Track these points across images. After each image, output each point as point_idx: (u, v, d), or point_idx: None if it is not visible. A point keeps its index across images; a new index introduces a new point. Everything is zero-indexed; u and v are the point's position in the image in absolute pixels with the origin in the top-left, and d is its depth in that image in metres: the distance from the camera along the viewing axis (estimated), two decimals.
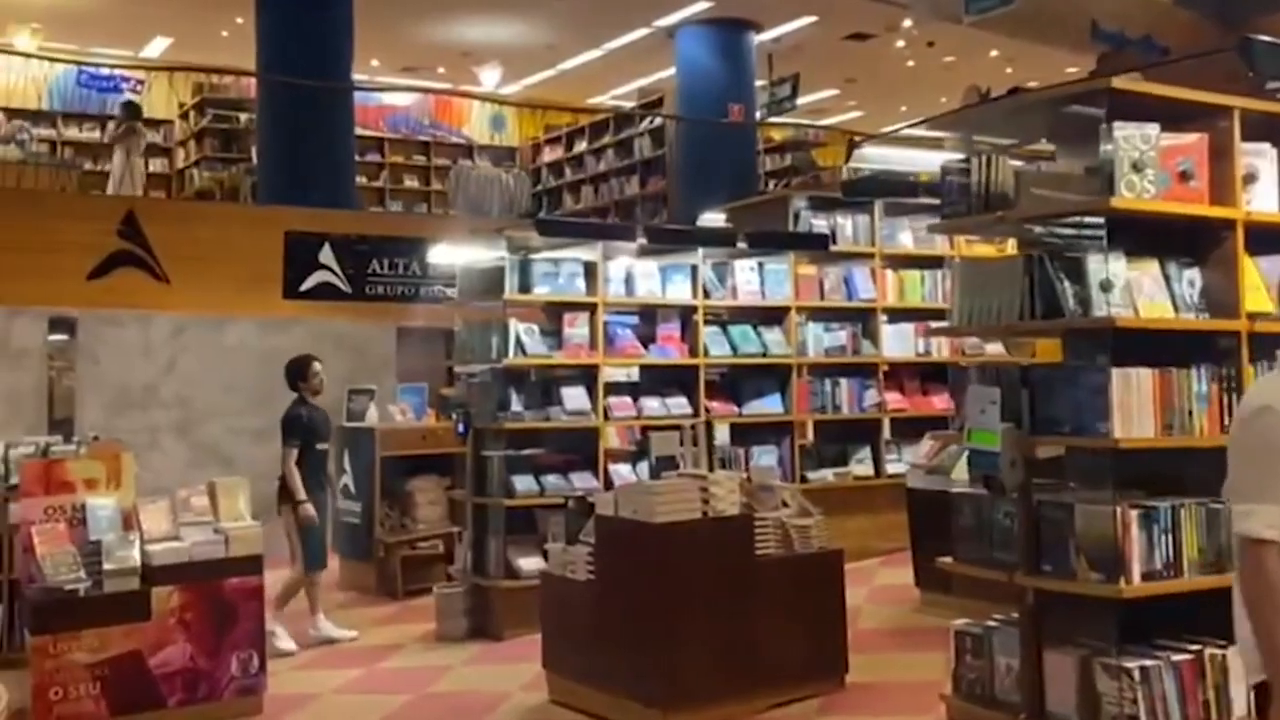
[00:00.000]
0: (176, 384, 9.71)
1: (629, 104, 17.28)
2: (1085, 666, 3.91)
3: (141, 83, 16.33)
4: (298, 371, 7.23)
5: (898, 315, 8.46)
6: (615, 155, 16.75)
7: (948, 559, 4.54)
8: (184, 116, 16.53)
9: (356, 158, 14.08)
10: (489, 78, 16.23)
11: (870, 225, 8.42)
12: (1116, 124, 3.95)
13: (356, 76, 13.73)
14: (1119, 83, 4.12)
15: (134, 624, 5.35)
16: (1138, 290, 4.10)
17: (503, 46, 15.94)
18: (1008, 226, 4.41)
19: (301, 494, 6.83)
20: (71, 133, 15.75)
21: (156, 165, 15.81)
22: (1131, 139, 3.96)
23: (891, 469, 8.22)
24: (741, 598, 5.21)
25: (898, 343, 8.41)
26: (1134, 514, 3.87)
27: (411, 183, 17.90)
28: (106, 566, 5.38)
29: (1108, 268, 4.02)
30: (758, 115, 15.35)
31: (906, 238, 8.56)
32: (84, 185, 13.20)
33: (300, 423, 7.03)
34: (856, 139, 7.78)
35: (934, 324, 7.15)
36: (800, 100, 15.81)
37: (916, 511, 6.88)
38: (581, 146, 17.57)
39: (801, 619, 5.37)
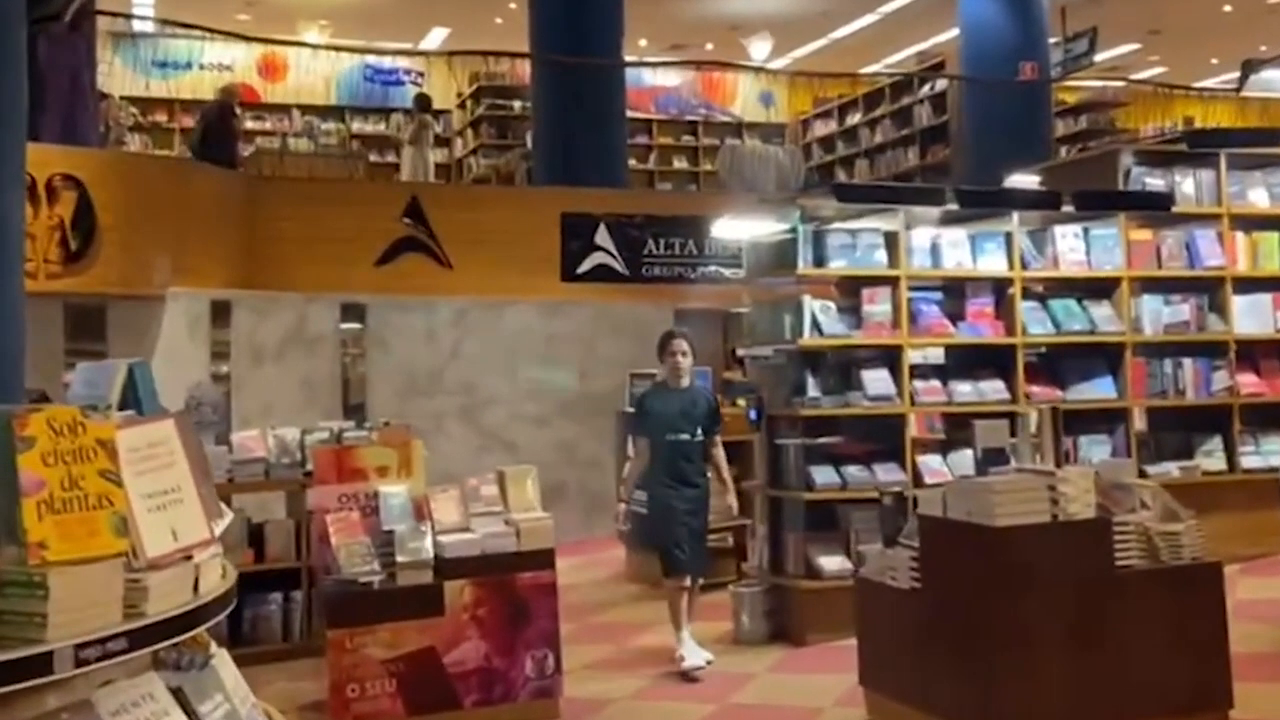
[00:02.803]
0: (460, 369, 9.69)
1: (907, 70, 16.32)
2: None
3: (423, 74, 16.76)
4: (659, 347, 6.40)
5: (1251, 285, 7.31)
6: (892, 125, 15.86)
7: None
8: (461, 106, 16.87)
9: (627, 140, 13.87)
10: (759, 50, 15.68)
11: (1216, 181, 7.31)
12: None
13: (626, 58, 13.53)
14: None
15: (428, 619, 5.12)
16: None
17: (772, 16, 15.36)
18: None
19: (626, 491, 6.45)
20: (358, 126, 16.34)
21: (438, 155, 16.17)
22: None
23: (1247, 463, 7.12)
24: (1100, 616, 4.44)
25: (1251, 317, 7.26)
26: None
27: (680, 164, 17.63)
28: (400, 558, 5.18)
29: None
30: (1052, 75, 14.11)
31: (1260, 195, 7.39)
32: (370, 176, 13.58)
33: (640, 407, 6.41)
34: (1253, 59, 6.67)
35: None
36: (1097, 57, 14.51)
37: None
38: (855, 118, 16.77)
39: (1173, 642, 4.54)
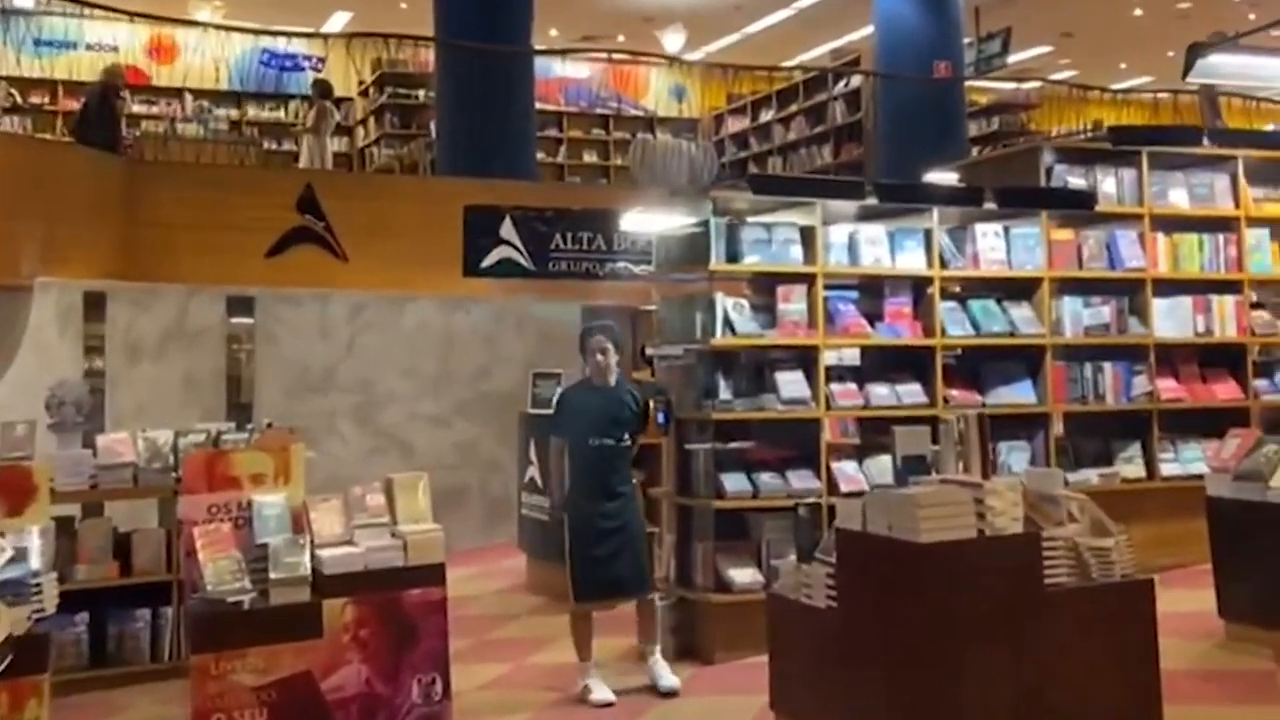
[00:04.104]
0: (355, 367, 9.19)
1: (822, 65, 16.15)
2: None
3: (323, 60, 16.12)
4: (580, 344, 5.89)
5: (1171, 288, 7.17)
6: (806, 122, 15.66)
7: None
8: (363, 94, 16.26)
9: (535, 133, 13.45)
10: (672, 43, 15.38)
11: (1137, 181, 7.14)
12: None
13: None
14: None
15: (304, 641, 4.66)
16: None
17: (686, 9, 15.05)
18: None
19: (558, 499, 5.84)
20: (254, 112, 15.64)
21: (338, 144, 15.55)
22: None
23: (1166, 470, 6.97)
24: (1028, 638, 4.15)
25: (1171, 320, 7.12)
26: None
27: (590, 158, 17.25)
28: (274, 575, 4.72)
29: None
30: (966, 75, 14.04)
31: (1181, 195, 7.25)
32: (264, 163, 12.95)
33: (559, 406, 5.91)
34: (1199, 42, 6.47)
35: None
36: (1010, 58, 14.49)
37: (1220, 526, 5.64)
38: (768, 115, 16.54)
39: (1103, 666, 4.27)
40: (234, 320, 9.07)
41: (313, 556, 4.79)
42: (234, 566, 4.74)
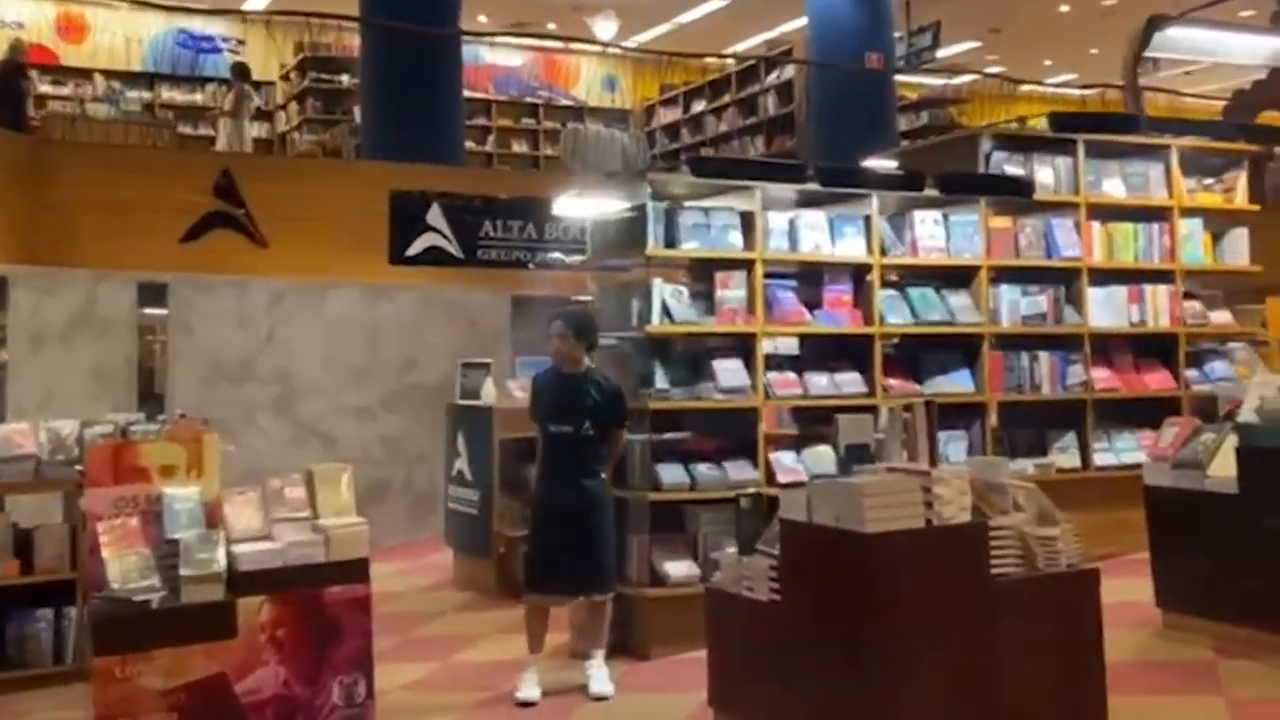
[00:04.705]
0: (275, 357, 8.86)
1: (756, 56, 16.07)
2: None
3: (242, 43, 15.64)
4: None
5: (1106, 277, 7.15)
6: (738, 114, 15.56)
7: None
8: (285, 78, 15.80)
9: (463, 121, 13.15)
10: (603, 30, 15.14)
11: (1074, 170, 7.11)
12: None
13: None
14: None
15: (218, 642, 4.42)
16: None
17: None
18: None
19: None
20: (169, 95, 15.10)
21: (258, 129, 15.09)
22: None
23: (1100, 460, 6.94)
24: (975, 629, 4.05)
25: (1106, 310, 7.10)
26: None
27: (520, 147, 16.98)
28: (185, 572, 4.46)
29: None
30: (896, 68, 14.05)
31: (1116, 185, 7.23)
32: (179, 145, 12.48)
33: (531, 391, 5.75)
34: (1159, 15, 6.41)
35: None
36: (940, 53, 14.53)
37: (1158, 515, 5.60)
38: (700, 106, 16.42)
39: (1049, 657, 4.18)
40: (146, 309, 8.69)
41: (227, 552, 4.55)
42: (142, 563, 4.49)
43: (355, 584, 4.68)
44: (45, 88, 14.22)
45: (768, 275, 6.21)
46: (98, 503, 4.68)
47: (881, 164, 8.14)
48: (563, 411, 5.41)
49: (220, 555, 4.52)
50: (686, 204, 6.21)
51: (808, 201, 6.45)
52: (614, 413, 5.46)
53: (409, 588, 7.46)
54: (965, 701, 3.99)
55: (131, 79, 14.87)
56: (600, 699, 5.16)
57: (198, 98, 15.12)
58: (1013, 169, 7.02)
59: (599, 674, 5.26)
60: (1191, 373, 7.40)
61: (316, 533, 4.70)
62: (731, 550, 4.67)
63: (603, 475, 5.46)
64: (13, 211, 8.74)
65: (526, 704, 5.11)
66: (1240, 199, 7.70)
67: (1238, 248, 7.61)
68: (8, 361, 8.00)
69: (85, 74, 14.72)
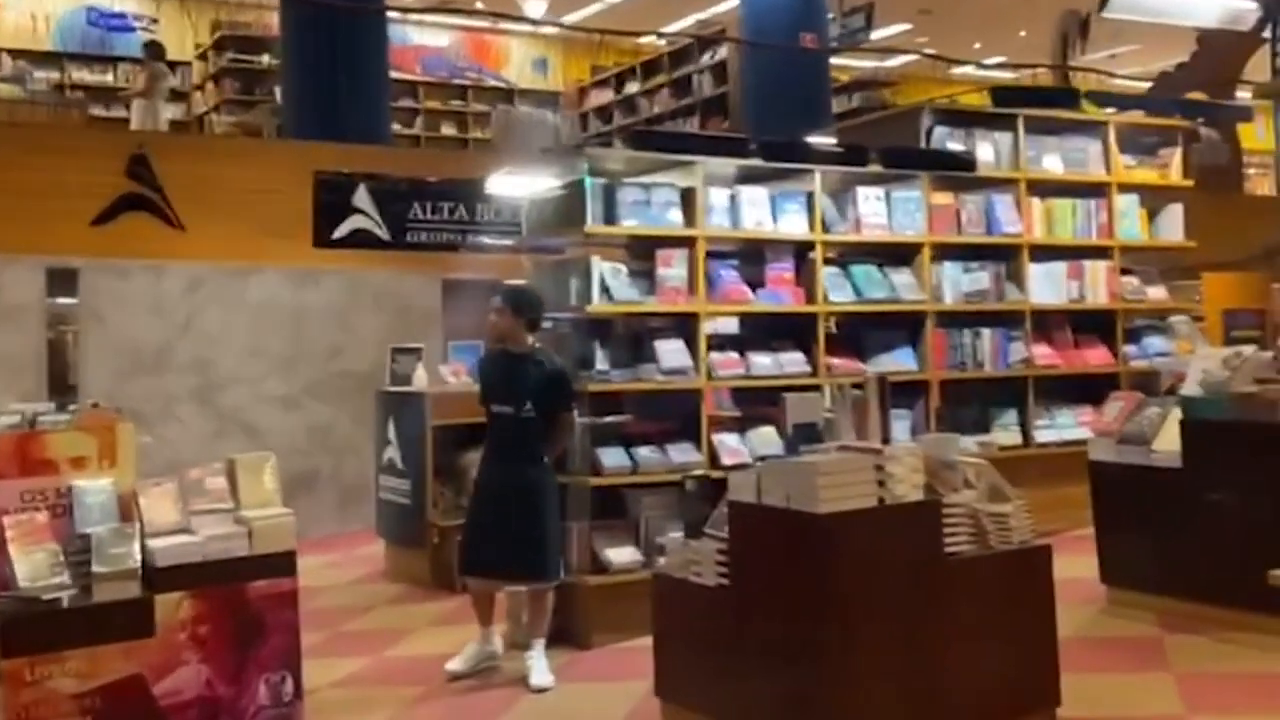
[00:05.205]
0: (194, 345, 8.51)
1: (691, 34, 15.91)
2: None
3: (155, 21, 15.09)
4: None
5: (1045, 253, 7.11)
6: (671, 95, 15.38)
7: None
8: (201, 58, 15.28)
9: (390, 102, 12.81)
10: (533, 9, 14.85)
11: (1014, 145, 7.05)
12: None
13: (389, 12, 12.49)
14: None
15: (134, 641, 4.20)
16: None
17: None
18: None
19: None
20: (80, 75, 14.52)
21: (173, 110, 14.56)
22: None
23: (1041, 436, 6.91)
24: (928, 608, 3.93)
25: (1046, 286, 7.06)
26: None
27: (449, 130, 16.61)
28: (98, 568, 4.21)
29: None
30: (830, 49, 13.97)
31: (1055, 161, 7.19)
32: (88, 125, 11.98)
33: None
34: None
35: None
36: (873, 34, 14.48)
37: (1103, 490, 5.55)
38: (633, 88, 16.20)
39: (1001, 635, 4.09)
40: (55, 294, 8.28)
41: (143, 547, 4.31)
42: (51, 560, 4.25)
43: (281, 578, 4.48)
44: None
45: (710, 254, 6.05)
46: (2, 497, 4.39)
47: (822, 141, 8.02)
48: (502, 391, 5.27)
49: (135, 550, 4.28)
50: (625, 180, 6.03)
51: (749, 177, 6.31)
52: (557, 395, 5.27)
53: (338, 581, 7.21)
54: (920, 681, 3.89)
55: (39, 58, 14.27)
56: (541, 690, 4.99)
57: (109, 78, 14.54)
58: (954, 145, 6.94)
59: (539, 665, 5.09)
60: (1130, 348, 7.42)
61: (239, 525, 4.47)
62: (677, 535, 4.51)
63: (545, 460, 5.27)
64: None
65: (453, 677, 5.11)
66: (1175, 175, 7.72)
67: (1173, 224, 7.62)
68: None
69: None
